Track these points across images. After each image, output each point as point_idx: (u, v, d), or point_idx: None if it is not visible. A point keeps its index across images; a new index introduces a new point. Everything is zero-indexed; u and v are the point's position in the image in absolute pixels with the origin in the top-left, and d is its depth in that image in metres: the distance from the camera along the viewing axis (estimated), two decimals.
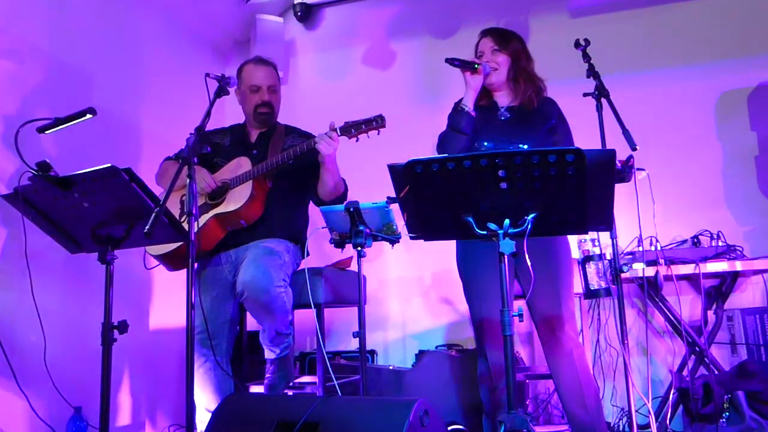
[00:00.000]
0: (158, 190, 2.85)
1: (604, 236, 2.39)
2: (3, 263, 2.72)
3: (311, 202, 3.08)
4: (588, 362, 2.53)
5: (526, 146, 2.53)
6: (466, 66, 2.61)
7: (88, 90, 3.30)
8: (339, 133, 2.75)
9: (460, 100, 2.69)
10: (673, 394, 2.97)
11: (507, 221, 1.85)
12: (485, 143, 2.61)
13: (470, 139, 2.61)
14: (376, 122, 2.74)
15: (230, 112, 3.42)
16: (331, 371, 2.75)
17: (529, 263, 1.96)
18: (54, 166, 2.14)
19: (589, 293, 2.25)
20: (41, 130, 2.55)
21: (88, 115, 2.53)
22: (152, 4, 3.93)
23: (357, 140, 2.77)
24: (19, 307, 2.63)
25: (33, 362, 2.59)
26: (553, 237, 2.45)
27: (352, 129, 2.75)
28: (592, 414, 2.44)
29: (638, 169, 2.47)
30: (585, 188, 1.78)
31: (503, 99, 2.72)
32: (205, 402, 2.80)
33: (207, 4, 4.34)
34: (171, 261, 2.89)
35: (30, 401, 2.55)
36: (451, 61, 2.59)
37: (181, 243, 2.65)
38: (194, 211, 2.17)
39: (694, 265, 3.03)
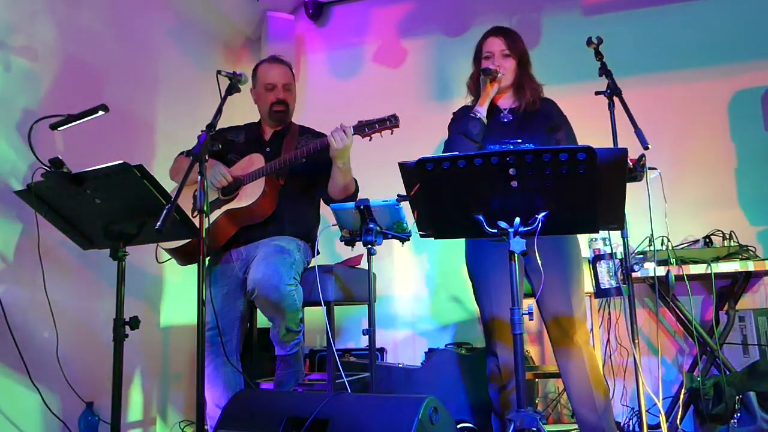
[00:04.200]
0: (172, 185, 2.88)
1: (615, 235, 2.38)
2: (16, 259, 2.74)
3: (322, 200, 3.09)
4: (598, 362, 2.52)
5: (531, 146, 2.53)
6: (489, 74, 2.61)
7: (101, 87, 3.31)
8: (353, 132, 2.75)
9: (467, 106, 2.69)
10: (684, 394, 2.95)
11: (517, 220, 1.85)
12: (489, 146, 2.61)
13: (480, 147, 2.62)
14: (390, 122, 2.74)
15: (241, 110, 3.42)
16: (340, 368, 2.75)
17: (540, 262, 1.95)
18: (67, 163, 2.16)
19: (600, 292, 2.24)
20: (54, 126, 2.57)
21: (101, 112, 2.55)
22: (164, 1, 3.94)
23: (370, 139, 2.77)
24: (31, 302, 2.65)
25: (46, 357, 2.61)
26: (563, 236, 2.45)
27: (366, 128, 2.75)
28: (600, 415, 2.44)
29: (650, 168, 2.46)
30: (596, 187, 1.78)
31: (504, 102, 2.73)
32: (216, 398, 2.81)
33: (218, 1, 4.35)
34: (182, 255, 2.91)
35: (43, 396, 2.57)
36: (484, 71, 2.62)
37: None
38: (205, 209, 2.17)
39: (705, 265, 3.01)
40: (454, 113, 2.80)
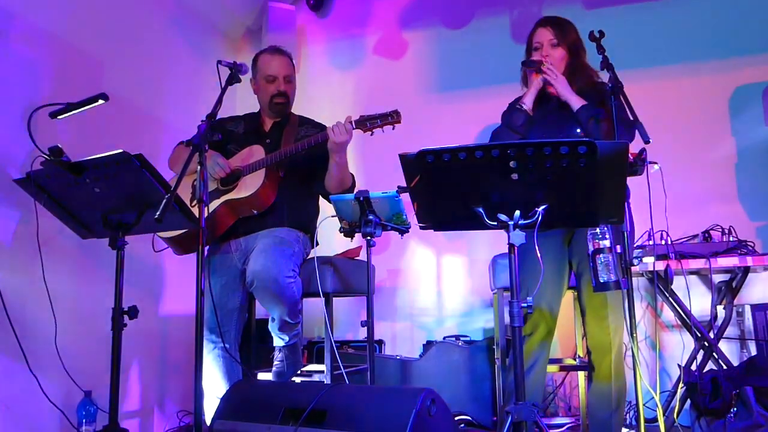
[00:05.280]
0: (171, 175, 2.87)
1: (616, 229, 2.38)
2: (15, 247, 2.73)
3: (317, 194, 3.08)
4: (623, 360, 2.55)
5: (579, 130, 2.53)
6: (532, 66, 2.61)
7: (101, 76, 3.30)
8: (354, 126, 2.75)
9: (518, 98, 2.69)
10: (682, 388, 2.96)
11: (517, 213, 1.85)
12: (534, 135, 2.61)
13: (523, 137, 2.62)
14: (392, 117, 2.74)
15: (241, 100, 3.41)
16: (338, 360, 2.76)
17: (539, 254, 1.95)
18: (68, 152, 2.15)
19: (599, 286, 2.23)
20: (53, 115, 2.55)
21: (100, 101, 2.53)
22: None
23: (372, 134, 2.76)
24: (30, 290, 2.65)
25: (44, 346, 2.61)
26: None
27: (368, 123, 2.74)
28: (611, 409, 2.49)
29: (651, 163, 2.45)
30: (596, 181, 1.77)
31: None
32: (214, 388, 2.82)
33: None
34: (179, 244, 2.90)
35: (41, 384, 2.56)
36: (526, 64, 2.65)
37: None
38: (205, 198, 2.16)
39: (704, 259, 3.01)
40: (509, 103, 2.79)
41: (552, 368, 3.29)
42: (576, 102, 2.54)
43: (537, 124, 2.64)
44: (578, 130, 2.53)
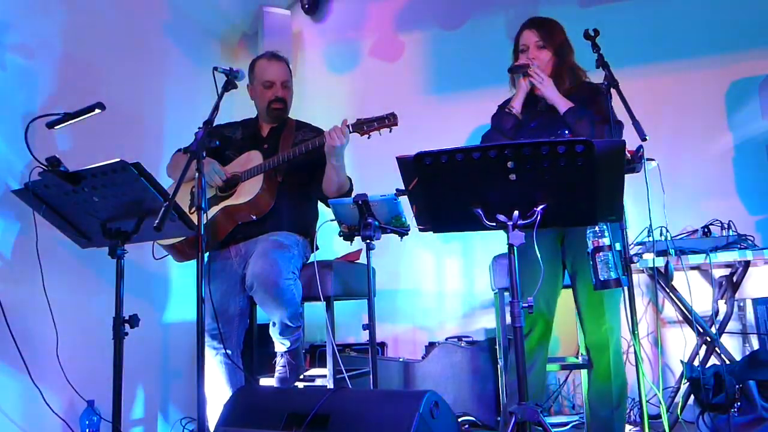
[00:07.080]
0: (169, 183, 2.87)
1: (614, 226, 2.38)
2: (14, 258, 2.73)
3: (316, 199, 3.08)
4: (622, 357, 2.55)
5: (567, 132, 2.54)
6: (519, 70, 2.61)
7: (97, 85, 3.30)
8: (351, 130, 2.75)
9: (507, 101, 2.69)
10: (685, 384, 2.95)
11: (516, 213, 1.85)
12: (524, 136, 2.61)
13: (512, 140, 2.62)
14: (389, 120, 2.74)
15: (239, 106, 3.41)
16: (341, 363, 2.76)
17: (539, 255, 1.95)
18: (66, 162, 2.15)
19: (599, 284, 2.23)
20: (50, 125, 2.56)
21: (97, 110, 2.53)
22: None
23: (369, 137, 2.77)
24: (30, 301, 2.64)
25: (46, 356, 2.61)
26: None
27: (364, 126, 2.75)
28: (612, 407, 2.48)
29: (648, 160, 2.45)
30: (595, 179, 1.77)
31: None
32: (217, 395, 2.82)
33: None
34: (179, 251, 2.91)
35: (43, 395, 2.56)
36: (512, 70, 2.66)
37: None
38: (203, 205, 2.16)
39: (704, 255, 3.01)
40: (499, 106, 2.79)
41: (553, 366, 3.29)
42: (563, 105, 2.55)
43: (526, 127, 2.64)
44: (566, 132, 2.53)
